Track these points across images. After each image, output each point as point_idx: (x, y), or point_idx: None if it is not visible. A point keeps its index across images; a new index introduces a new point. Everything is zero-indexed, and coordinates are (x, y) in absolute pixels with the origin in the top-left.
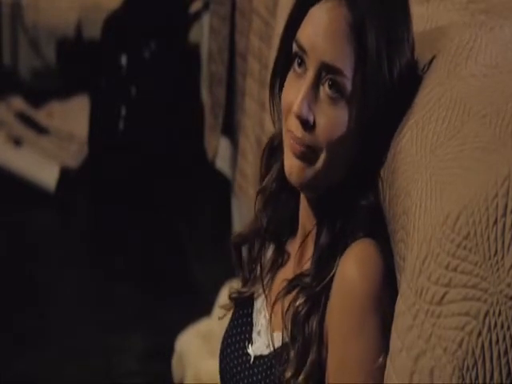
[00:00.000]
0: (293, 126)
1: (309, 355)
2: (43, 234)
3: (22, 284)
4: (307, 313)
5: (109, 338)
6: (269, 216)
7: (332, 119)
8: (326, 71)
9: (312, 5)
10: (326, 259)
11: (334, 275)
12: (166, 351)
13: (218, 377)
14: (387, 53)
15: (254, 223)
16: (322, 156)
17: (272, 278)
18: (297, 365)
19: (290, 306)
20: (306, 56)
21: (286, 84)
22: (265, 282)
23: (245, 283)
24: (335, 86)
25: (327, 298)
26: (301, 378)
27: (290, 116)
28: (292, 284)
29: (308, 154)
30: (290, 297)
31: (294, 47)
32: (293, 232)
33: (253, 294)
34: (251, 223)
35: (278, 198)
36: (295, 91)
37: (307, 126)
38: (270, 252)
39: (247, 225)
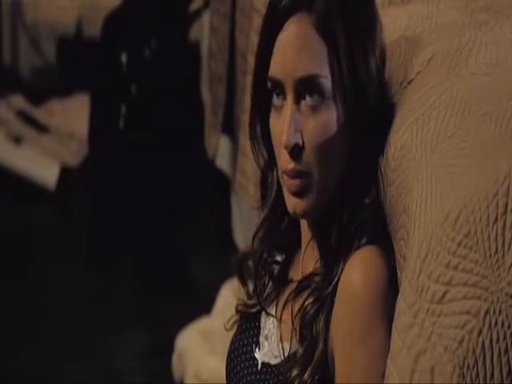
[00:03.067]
0: (286, 161)
1: (315, 353)
2: (43, 232)
3: (22, 282)
4: (315, 313)
5: (109, 336)
6: (268, 247)
7: (317, 127)
8: (304, 86)
9: (277, 34)
10: (334, 259)
11: (338, 280)
12: (166, 349)
13: (218, 375)
14: (358, 42)
15: (257, 241)
16: (318, 177)
17: (279, 292)
18: (304, 363)
19: (299, 308)
20: (281, 85)
21: (270, 123)
22: (272, 296)
23: (249, 297)
24: (315, 92)
25: (333, 302)
26: (307, 374)
27: (282, 151)
28: (302, 285)
29: (305, 185)
30: (300, 300)
31: (269, 84)
32: (297, 246)
33: (260, 307)
34: (254, 243)
35: (278, 228)
36: (281, 124)
37: (297, 149)
38: (276, 263)
39: (250, 244)
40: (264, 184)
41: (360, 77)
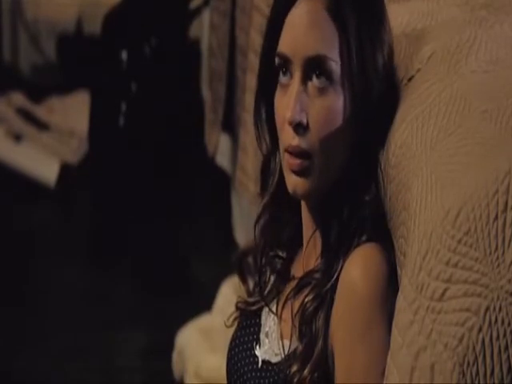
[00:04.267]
0: (289, 137)
1: (315, 350)
2: (43, 230)
3: (22, 280)
4: (316, 308)
5: (109, 334)
6: (269, 240)
7: (323, 109)
8: (312, 66)
9: (287, 11)
10: (334, 256)
11: (338, 276)
12: (166, 349)
13: (219, 373)
14: (367, 36)
15: (257, 239)
16: (319, 160)
17: (280, 290)
18: (303, 359)
19: (299, 306)
20: (289, 63)
21: (275, 101)
22: (273, 293)
23: (250, 294)
24: (323, 74)
25: (333, 299)
26: (306, 370)
27: (285, 127)
28: (302, 282)
29: (306, 165)
30: (300, 297)
31: (277, 60)
32: (298, 243)
33: (261, 304)
34: (254, 240)
35: (279, 216)
36: (286, 101)
37: (301, 128)
38: (277, 262)
39: (251, 240)
40: (265, 170)
41: (368, 69)
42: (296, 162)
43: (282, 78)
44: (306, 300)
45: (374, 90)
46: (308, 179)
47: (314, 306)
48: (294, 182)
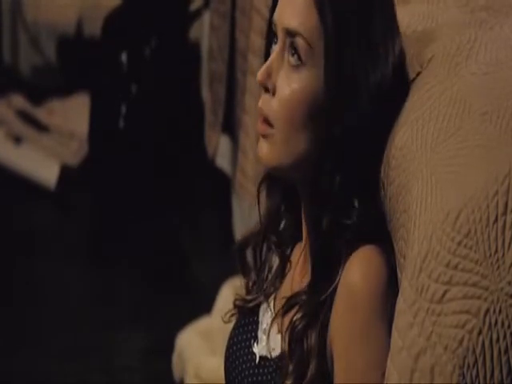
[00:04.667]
0: (260, 100)
1: (309, 368)
2: (43, 232)
3: (22, 282)
4: (305, 327)
5: (109, 335)
6: (271, 227)
7: (291, 86)
8: (289, 37)
9: None
10: (323, 272)
11: (335, 287)
12: (166, 349)
13: (219, 374)
14: (355, 26)
15: (257, 227)
16: (280, 133)
17: (278, 286)
18: (295, 378)
19: (289, 324)
20: (276, 31)
21: None
22: (271, 289)
23: (248, 291)
24: (297, 53)
25: (329, 308)
26: None
27: (262, 92)
28: (290, 303)
29: (269, 133)
30: (290, 314)
31: (273, 28)
32: (299, 237)
33: (259, 301)
34: (255, 227)
35: (282, 216)
36: None
37: (268, 93)
38: (277, 258)
39: (251, 229)
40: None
41: (349, 75)
42: (261, 126)
43: (273, 47)
44: (295, 318)
45: (354, 97)
46: (271, 148)
47: (303, 324)
48: (260, 147)
